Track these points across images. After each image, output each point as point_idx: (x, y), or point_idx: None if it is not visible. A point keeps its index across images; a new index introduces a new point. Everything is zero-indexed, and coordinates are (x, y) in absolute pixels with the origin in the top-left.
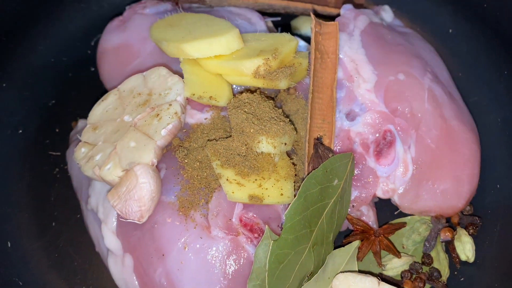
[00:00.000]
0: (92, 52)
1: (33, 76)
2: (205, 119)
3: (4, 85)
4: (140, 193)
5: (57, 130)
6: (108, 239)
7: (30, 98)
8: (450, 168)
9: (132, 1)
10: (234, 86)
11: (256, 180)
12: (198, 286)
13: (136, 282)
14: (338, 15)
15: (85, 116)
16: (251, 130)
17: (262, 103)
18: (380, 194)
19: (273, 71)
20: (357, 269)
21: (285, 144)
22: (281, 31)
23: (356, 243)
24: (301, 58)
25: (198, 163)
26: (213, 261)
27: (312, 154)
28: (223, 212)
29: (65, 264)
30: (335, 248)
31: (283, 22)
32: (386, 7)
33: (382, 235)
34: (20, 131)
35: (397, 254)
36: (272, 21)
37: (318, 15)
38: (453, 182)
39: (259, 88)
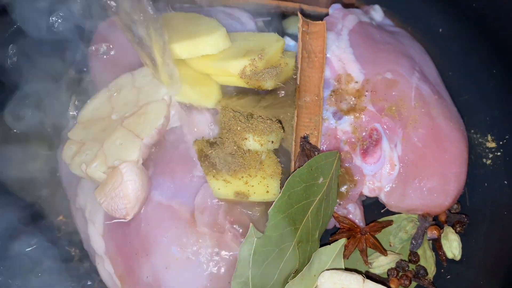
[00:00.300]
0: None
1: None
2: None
3: None
4: (126, 191)
5: (48, 130)
6: (95, 239)
7: (24, 97)
8: (437, 166)
9: None
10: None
11: (242, 177)
12: (184, 283)
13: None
14: (327, 14)
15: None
16: (238, 128)
17: (253, 103)
18: (367, 192)
19: (260, 71)
20: (343, 267)
21: (272, 142)
22: (272, 32)
23: (342, 241)
24: (288, 58)
25: None
26: (199, 258)
27: (298, 152)
28: (209, 209)
29: (61, 262)
30: (321, 246)
31: (274, 23)
32: (376, 7)
33: (368, 233)
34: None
35: (383, 252)
36: (264, 21)
37: (308, 15)
38: (440, 180)
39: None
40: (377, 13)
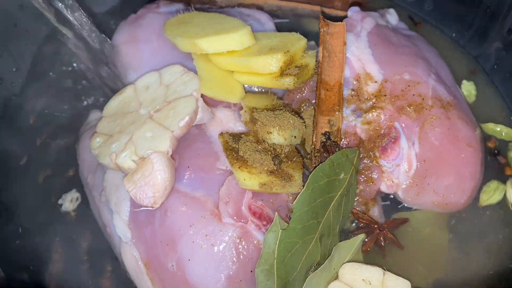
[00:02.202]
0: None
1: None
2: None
3: (14, 69)
4: (155, 180)
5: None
6: (121, 228)
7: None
8: (453, 164)
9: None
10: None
11: (266, 169)
12: (208, 271)
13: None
14: (345, 17)
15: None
16: (263, 122)
17: (275, 101)
18: (384, 189)
19: (282, 71)
20: (362, 261)
21: (295, 137)
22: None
23: (361, 236)
24: (309, 57)
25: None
26: (222, 247)
27: (319, 148)
28: (233, 200)
29: (72, 257)
30: (340, 241)
31: (291, 25)
32: (391, 10)
33: (386, 229)
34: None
35: (401, 247)
36: (281, 23)
37: (326, 17)
38: (456, 179)
39: (270, 89)
40: (392, 16)
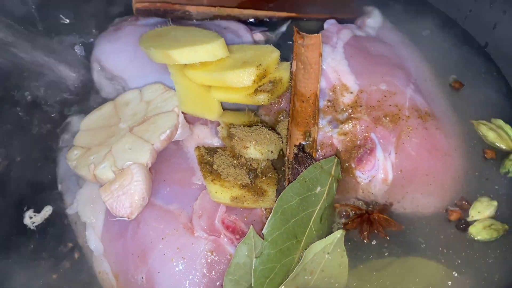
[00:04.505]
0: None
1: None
2: None
3: None
4: (134, 191)
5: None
6: (93, 241)
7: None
8: (431, 174)
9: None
10: None
11: (239, 183)
12: (177, 284)
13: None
14: (322, 29)
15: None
16: (240, 137)
17: (252, 118)
18: (362, 199)
19: (256, 85)
20: (346, 259)
21: (271, 152)
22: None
23: (339, 232)
24: (283, 70)
25: None
26: (193, 260)
27: (292, 160)
28: (206, 213)
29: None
30: None
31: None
32: (376, 12)
33: (376, 212)
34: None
35: (398, 226)
36: (261, 32)
37: (303, 27)
38: (436, 188)
39: (246, 106)
40: (375, 19)
